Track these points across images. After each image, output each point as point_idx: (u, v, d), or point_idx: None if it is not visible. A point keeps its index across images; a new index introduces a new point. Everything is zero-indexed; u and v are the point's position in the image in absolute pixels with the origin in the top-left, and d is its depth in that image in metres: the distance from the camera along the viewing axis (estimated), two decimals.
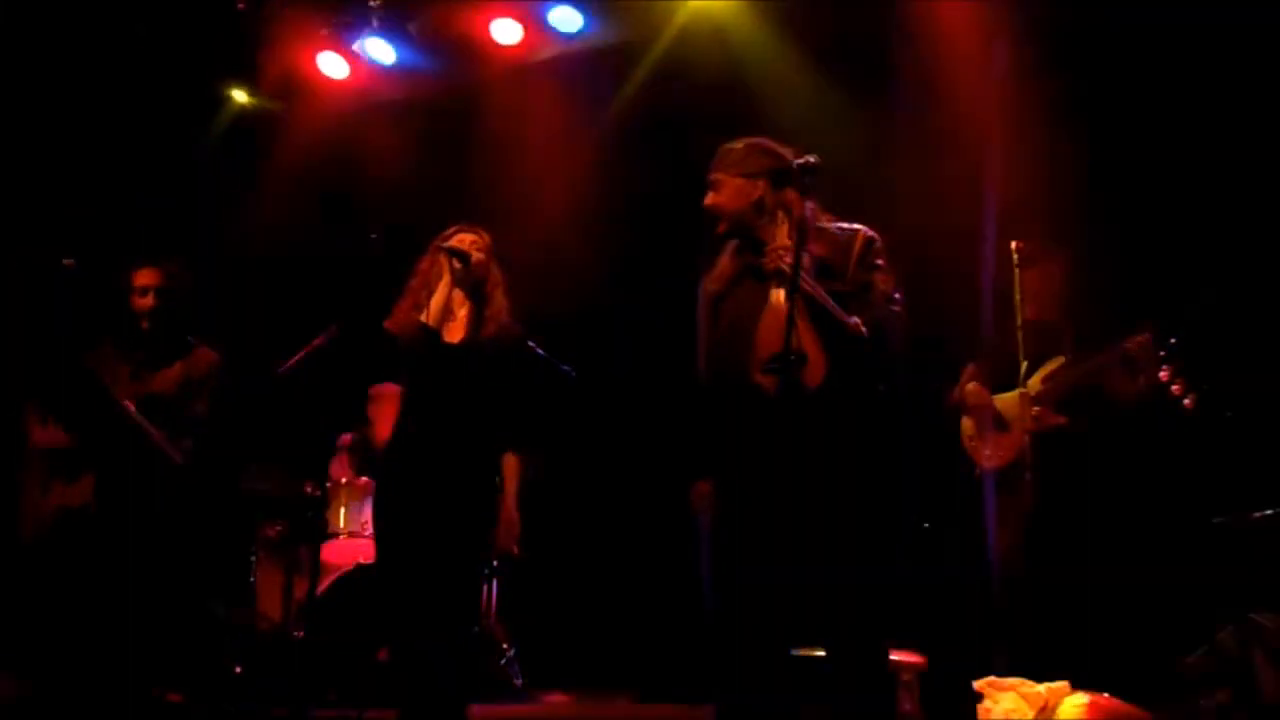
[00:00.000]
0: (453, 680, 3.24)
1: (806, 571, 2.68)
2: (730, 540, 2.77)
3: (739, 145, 2.90)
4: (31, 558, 3.76)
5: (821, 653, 2.86)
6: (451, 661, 3.24)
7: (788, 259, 2.71)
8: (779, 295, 2.73)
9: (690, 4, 5.16)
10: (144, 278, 3.90)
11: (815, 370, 2.70)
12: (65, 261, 3.61)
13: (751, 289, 2.83)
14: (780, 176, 2.85)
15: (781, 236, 2.81)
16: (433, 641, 3.22)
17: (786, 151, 2.90)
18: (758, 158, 2.87)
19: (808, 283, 2.70)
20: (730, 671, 2.74)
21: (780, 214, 2.84)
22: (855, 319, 2.74)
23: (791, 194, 2.85)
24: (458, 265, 3.34)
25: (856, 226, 2.88)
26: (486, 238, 3.46)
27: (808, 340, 2.69)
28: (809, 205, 2.81)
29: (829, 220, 2.90)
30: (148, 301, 3.88)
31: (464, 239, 3.41)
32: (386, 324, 3.40)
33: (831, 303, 2.73)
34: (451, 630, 3.27)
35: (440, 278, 3.37)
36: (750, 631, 2.70)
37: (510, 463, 3.39)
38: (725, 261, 2.93)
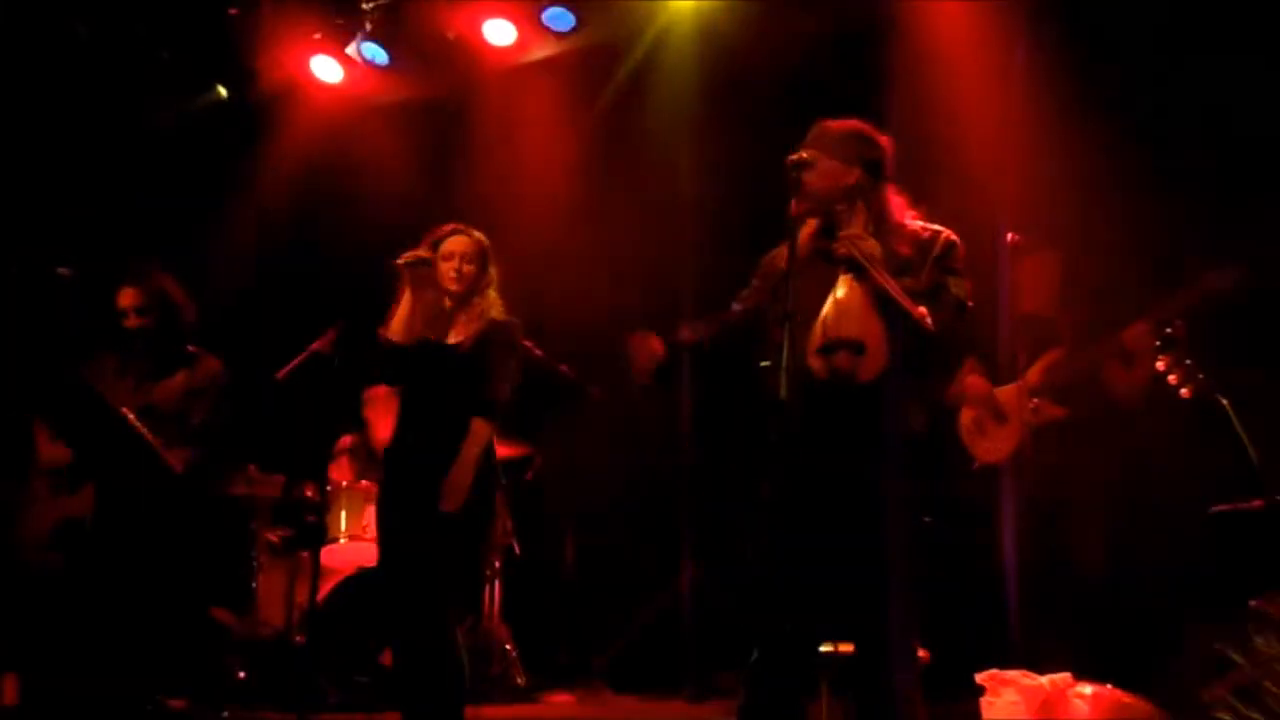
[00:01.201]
0: (453, 680, 3.24)
1: (836, 564, 2.65)
2: (763, 525, 2.70)
3: (839, 127, 2.84)
4: (33, 566, 3.77)
5: (849, 647, 2.83)
6: (451, 662, 3.24)
7: (861, 246, 2.67)
8: (847, 281, 2.70)
9: (682, 3, 5.15)
10: (125, 299, 3.91)
11: (874, 362, 2.66)
12: (61, 271, 3.61)
13: (820, 272, 2.77)
14: (874, 166, 2.81)
15: (858, 225, 2.78)
16: (433, 642, 3.23)
17: (885, 141, 2.86)
18: (857, 144, 2.82)
19: (879, 272, 2.66)
20: (757, 664, 2.72)
21: (861, 203, 2.81)
22: (922, 309, 2.68)
23: (881, 185, 2.82)
24: (420, 272, 3.35)
25: (939, 228, 2.83)
26: (475, 237, 3.46)
27: (872, 330, 2.66)
28: (895, 199, 2.80)
29: (914, 217, 2.86)
30: (133, 322, 3.90)
31: (457, 241, 3.42)
32: (381, 331, 3.41)
33: (899, 290, 2.66)
34: (452, 630, 3.28)
35: (431, 283, 3.39)
36: (777, 627, 2.67)
37: (476, 426, 3.31)
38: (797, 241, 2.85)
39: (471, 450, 3.27)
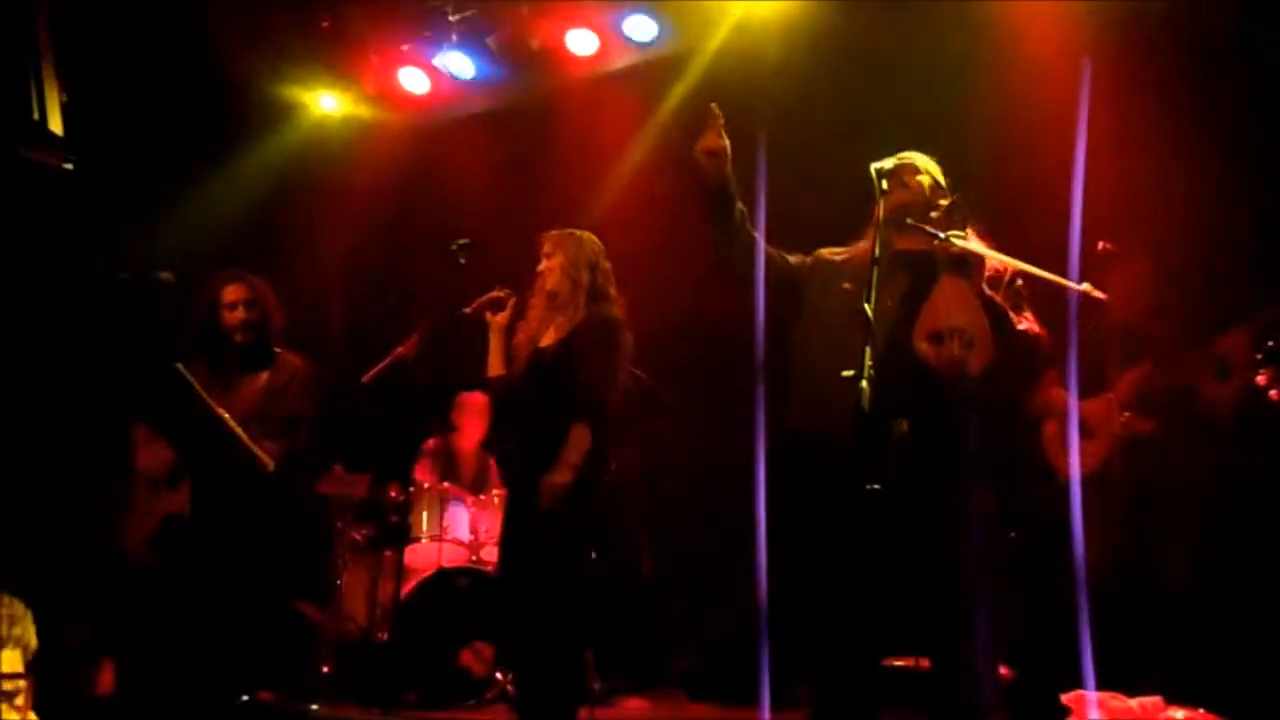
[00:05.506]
0: (566, 681, 3.34)
1: (914, 577, 2.63)
2: (836, 538, 2.69)
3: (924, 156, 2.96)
4: (135, 563, 3.91)
5: (913, 662, 2.80)
6: (566, 662, 3.34)
7: (967, 245, 2.72)
8: (950, 280, 2.71)
9: (761, 5, 5.13)
10: (233, 293, 4.01)
11: (982, 355, 2.66)
12: (164, 275, 3.73)
13: (893, 281, 2.80)
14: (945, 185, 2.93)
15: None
16: (547, 644, 3.32)
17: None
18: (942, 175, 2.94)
19: (980, 275, 2.71)
20: (822, 679, 2.71)
21: (939, 215, 2.86)
22: (1028, 316, 2.75)
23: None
24: (499, 316, 3.54)
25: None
26: (572, 240, 3.53)
27: (979, 325, 2.66)
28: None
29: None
30: (238, 315, 3.99)
31: (551, 243, 3.52)
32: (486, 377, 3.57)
33: (999, 299, 2.73)
34: (563, 634, 3.35)
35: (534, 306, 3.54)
36: (842, 639, 2.66)
37: (574, 430, 3.31)
38: (864, 246, 2.90)
39: (570, 455, 3.29)
